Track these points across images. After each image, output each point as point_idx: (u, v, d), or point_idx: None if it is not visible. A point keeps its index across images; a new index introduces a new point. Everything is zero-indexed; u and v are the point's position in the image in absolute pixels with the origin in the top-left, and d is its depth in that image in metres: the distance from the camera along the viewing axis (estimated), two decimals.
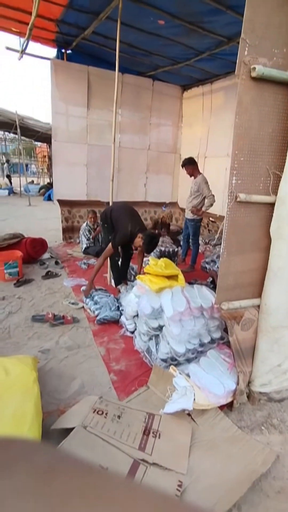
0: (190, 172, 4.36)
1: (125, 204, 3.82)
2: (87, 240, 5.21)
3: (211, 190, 4.26)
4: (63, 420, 1.77)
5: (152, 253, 4.56)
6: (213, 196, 4.23)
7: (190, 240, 4.69)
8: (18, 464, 0.24)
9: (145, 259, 4.46)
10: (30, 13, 3.54)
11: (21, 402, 1.63)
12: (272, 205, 1.70)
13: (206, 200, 4.27)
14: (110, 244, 3.30)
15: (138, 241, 3.26)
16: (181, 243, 5.05)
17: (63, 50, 5.45)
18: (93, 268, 4.56)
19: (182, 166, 4.39)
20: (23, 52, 4.71)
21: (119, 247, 3.59)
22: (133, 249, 3.88)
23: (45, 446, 0.30)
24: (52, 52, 5.64)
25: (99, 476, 0.25)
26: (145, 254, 3.92)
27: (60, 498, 0.22)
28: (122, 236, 3.29)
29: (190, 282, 3.62)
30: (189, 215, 4.46)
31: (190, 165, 4.32)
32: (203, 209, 4.31)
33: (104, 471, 0.26)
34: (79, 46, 5.18)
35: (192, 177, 4.41)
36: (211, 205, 4.23)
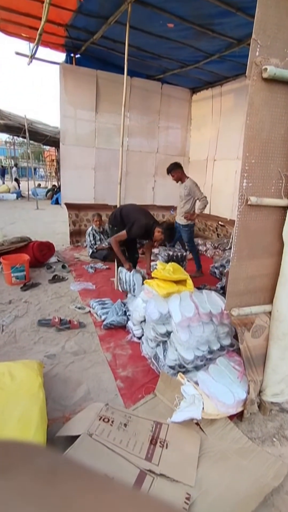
0: (178, 176, 4.29)
1: (134, 204, 3.86)
2: (91, 246, 5.21)
3: (203, 192, 4.22)
4: (68, 427, 1.75)
5: (160, 258, 4.55)
6: (206, 197, 4.22)
7: (186, 247, 4.64)
8: (20, 467, 0.24)
9: (152, 263, 4.45)
10: (40, 19, 3.62)
11: (27, 407, 1.63)
12: (284, 208, 1.67)
13: (199, 203, 4.24)
14: (123, 231, 3.36)
15: (158, 235, 3.33)
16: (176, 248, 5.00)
17: (72, 55, 5.54)
18: (100, 272, 4.60)
19: (168, 172, 4.29)
20: (32, 57, 4.80)
21: (126, 247, 3.63)
22: (138, 252, 3.89)
23: (47, 450, 0.31)
24: (61, 56, 5.74)
25: (101, 481, 0.25)
26: (152, 258, 3.93)
27: (61, 501, 0.22)
28: (139, 227, 3.34)
29: (198, 287, 3.59)
30: (182, 221, 4.39)
31: (178, 169, 4.25)
32: (197, 212, 4.29)
33: (106, 477, 0.26)
34: (88, 50, 5.26)
35: (180, 182, 4.36)
36: (205, 207, 4.21)
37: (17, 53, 5.30)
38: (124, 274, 3.46)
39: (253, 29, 1.40)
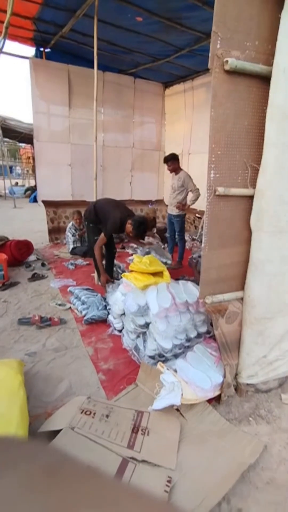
0: (174, 167, 4.35)
1: (108, 198, 3.79)
2: (73, 237, 5.14)
3: (195, 184, 4.27)
4: (50, 423, 1.74)
5: (138, 251, 4.55)
6: (198, 189, 4.26)
7: (176, 236, 4.69)
8: (20, 463, 0.25)
9: (131, 257, 4.45)
10: (5, 11, 3.46)
11: (6, 406, 1.60)
12: (251, 197, 1.71)
13: (192, 194, 4.29)
14: (102, 234, 3.29)
15: (128, 227, 3.23)
16: (167, 240, 5.04)
17: (41, 49, 5.37)
18: (80, 268, 4.55)
19: (165, 161, 4.36)
20: (0, 51, 4.60)
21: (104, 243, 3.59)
22: (116, 247, 3.85)
23: (46, 447, 0.32)
24: (30, 51, 5.54)
25: (101, 477, 0.26)
26: (130, 252, 3.91)
27: (61, 497, 0.22)
28: (113, 223, 3.25)
29: (177, 278, 3.62)
30: (174, 211, 4.46)
31: (175, 160, 4.32)
32: (189, 203, 4.33)
33: (105, 473, 0.27)
34: (58, 44, 5.11)
35: (173, 173, 4.41)
36: (197, 199, 4.25)
37: None
38: (110, 296, 3.16)
39: (213, 21, 1.39)
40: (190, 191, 4.30)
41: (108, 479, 0.27)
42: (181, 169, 4.38)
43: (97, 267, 3.54)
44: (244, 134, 1.59)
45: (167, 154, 6.99)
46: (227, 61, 1.42)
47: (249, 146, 1.63)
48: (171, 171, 4.41)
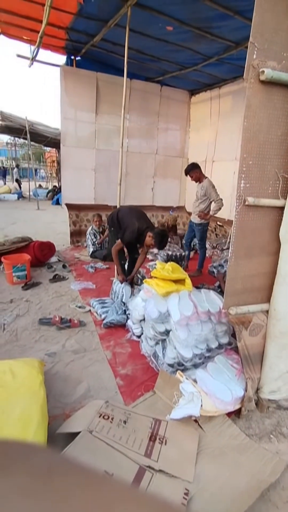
0: (196, 177, 4.32)
1: (132, 206, 3.85)
2: (93, 244, 5.22)
3: (219, 194, 4.23)
4: (69, 425, 1.76)
5: (159, 257, 4.55)
6: (221, 200, 4.21)
7: (197, 245, 4.66)
8: (17, 465, 0.24)
9: (152, 263, 4.45)
10: (41, 22, 3.61)
11: (28, 405, 1.63)
12: (281, 208, 1.68)
13: (214, 204, 4.25)
14: (119, 240, 3.37)
15: (149, 240, 3.27)
16: (184, 248, 5.00)
17: (72, 57, 5.54)
18: (100, 272, 4.61)
19: (186, 173, 4.33)
20: (33, 59, 4.80)
21: (126, 249, 3.63)
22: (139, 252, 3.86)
23: (43, 448, 0.31)
24: (61, 59, 5.73)
25: (99, 478, 0.25)
26: (151, 258, 3.92)
27: (59, 499, 0.22)
28: (130, 232, 3.31)
29: (197, 286, 3.60)
30: (196, 219, 4.44)
31: (196, 169, 4.28)
32: (211, 213, 4.29)
33: (104, 474, 0.26)
34: (88, 52, 5.26)
35: (198, 182, 4.38)
36: (220, 209, 4.20)
37: (19, 56, 5.30)
38: (116, 285, 3.44)
39: (251, 32, 1.40)
40: (213, 200, 4.25)
41: (107, 482, 0.26)
42: (205, 177, 4.35)
43: (118, 265, 3.59)
44: (277, 144, 1.57)
45: (190, 161, 7.04)
46: (263, 72, 1.42)
47: (282, 156, 1.61)
48: (195, 180, 4.38)
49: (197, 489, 1.47)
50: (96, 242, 5.22)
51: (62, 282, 4.12)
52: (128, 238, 3.33)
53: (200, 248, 4.61)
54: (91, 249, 5.23)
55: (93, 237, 5.23)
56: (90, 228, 5.34)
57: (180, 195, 7.27)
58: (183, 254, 4.96)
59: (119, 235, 3.45)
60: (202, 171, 4.37)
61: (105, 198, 6.11)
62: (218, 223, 6.31)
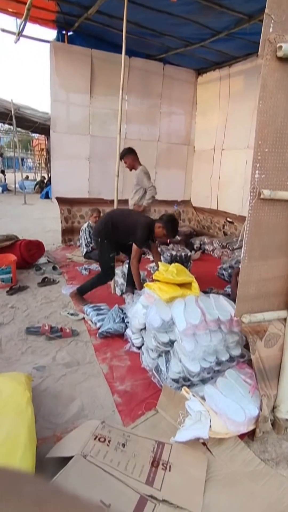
0: (130, 163, 4.34)
1: (120, 207, 3.82)
2: (86, 245, 5.13)
3: (152, 181, 4.26)
4: (60, 448, 1.75)
5: (162, 258, 4.54)
6: (154, 187, 4.24)
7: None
8: (7, 495, 0.25)
9: (152, 264, 4.44)
10: None
11: (13, 426, 1.62)
12: None
13: (147, 193, 4.27)
14: (134, 246, 3.34)
15: (160, 231, 3.29)
16: None
17: (64, 32, 5.53)
18: (95, 274, 4.58)
19: (121, 158, 4.30)
20: (20, 34, 4.80)
21: (122, 252, 3.63)
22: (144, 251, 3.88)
23: (34, 478, 0.32)
24: (52, 34, 5.73)
25: (93, 511, 0.26)
26: (152, 259, 3.91)
27: None
28: (143, 231, 3.30)
29: (205, 291, 3.59)
30: None
31: (130, 154, 4.29)
32: (144, 204, 4.31)
33: (100, 506, 0.27)
34: (82, 27, 5.25)
35: (132, 170, 4.42)
36: (153, 197, 4.24)
37: (3, 30, 5.30)
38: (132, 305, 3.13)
39: (267, 3, 1.39)
40: (145, 189, 4.27)
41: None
42: (140, 165, 4.35)
43: (137, 275, 3.52)
44: None
45: (197, 149, 7.04)
46: (280, 47, 1.41)
47: None
48: (129, 167, 4.39)
49: None
50: (92, 246, 5.04)
51: (52, 286, 4.12)
52: (142, 237, 3.31)
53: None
54: (85, 249, 5.20)
55: (87, 235, 5.14)
56: (85, 225, 5.26)
57: (185, 187, 7.26)
58: (188, 254, 4.95)
59: (134, 243, 3.37)
60: (137, 158, 4.38)
61: (100, 191, 6.11)
62: (228, 219, 6.30)
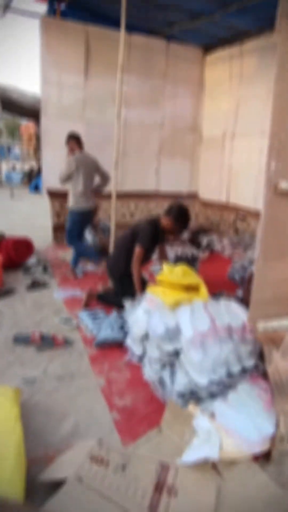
0: (70, 148, 4.55)
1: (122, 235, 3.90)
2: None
3: (68, 169, 4.42)
4: (53, 470, 1.76)
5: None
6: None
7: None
8: None
9: (156, 266, 4.45)
10: None
11: (0, 445, 1.63)
12: None
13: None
14: (137, 248, 3.37)
15: (168, 224, 3.35)
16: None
17: (56, 5, 5.54)
18: (90, 276, 4.61)
19: (66, 142, 4.57)
20: (6, 7, 4.81)
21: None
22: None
23: (23, 507, 0.32)
24: (42, 7, 5.73)
25: None
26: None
27: None
28: (145, 229, 3.36)
29: (215, 294, 3.59)
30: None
31: (71, 140, 4.51)
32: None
33: None
34: None
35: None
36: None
37: None
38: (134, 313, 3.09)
39: None
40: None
41: None
42: (79, 150, 4.53)
43: (138, 280, 3.55)
44: None
45: (205, 135, 7.04)
46: None
47: None
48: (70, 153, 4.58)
49: None
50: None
51: (42, 289, 4.13)
52: (146, 235, 3.36)
53: (69, 243, 4.73)
54: None
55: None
56: None
57: (191, 178, 7.26)
58: (195, 254, 4.96)
59: (139, 243, 3.41)
60: (79, 144, 4.53)
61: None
62: (240, 214, 6.30)
